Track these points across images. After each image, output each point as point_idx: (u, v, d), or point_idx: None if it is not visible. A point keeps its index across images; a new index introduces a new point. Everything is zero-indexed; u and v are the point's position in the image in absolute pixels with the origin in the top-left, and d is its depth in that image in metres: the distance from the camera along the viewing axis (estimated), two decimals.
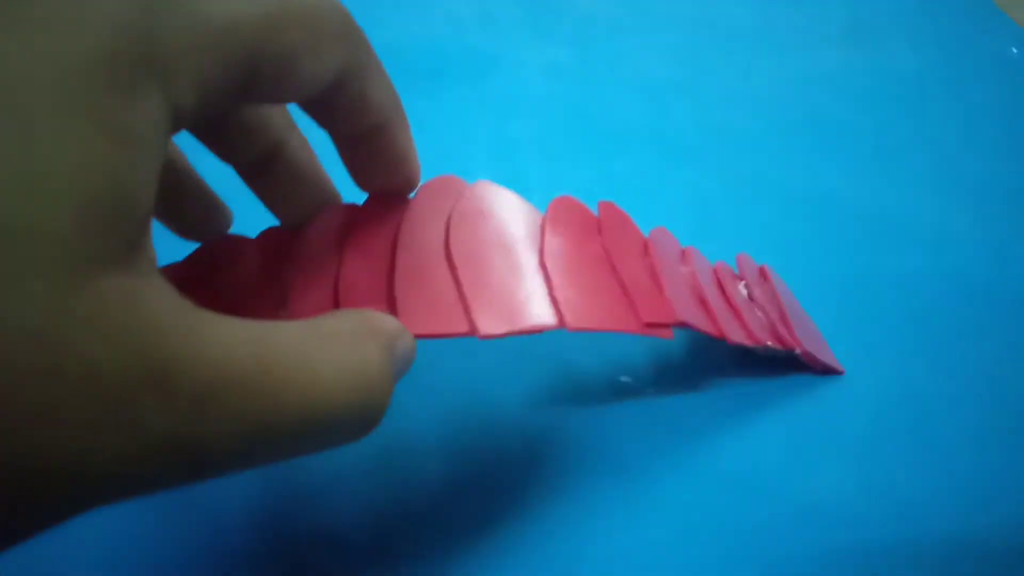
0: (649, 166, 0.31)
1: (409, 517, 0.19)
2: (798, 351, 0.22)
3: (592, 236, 0.19)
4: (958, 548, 0.20)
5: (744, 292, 0.23)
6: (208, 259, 0.18)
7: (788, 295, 0.25)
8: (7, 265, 0.08)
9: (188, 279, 0.17)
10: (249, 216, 0.18)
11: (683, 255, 0.22)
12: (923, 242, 0.28)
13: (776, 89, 0.35)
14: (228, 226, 0.19)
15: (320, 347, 0.12)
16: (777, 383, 0.23)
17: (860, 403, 0.23)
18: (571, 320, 0.16)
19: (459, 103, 0.33)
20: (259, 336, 0.11)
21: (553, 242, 0.18)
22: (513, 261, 0.17)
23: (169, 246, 0.18)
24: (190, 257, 0.18)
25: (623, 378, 0.23)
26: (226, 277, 0.17)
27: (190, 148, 0.17)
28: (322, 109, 0.15)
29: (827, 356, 0.24)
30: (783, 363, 0.23)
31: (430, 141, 0.29)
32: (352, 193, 0.18)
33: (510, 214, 0.18)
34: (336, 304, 0.16)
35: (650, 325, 0.18)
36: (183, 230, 0.18)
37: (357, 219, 0.17)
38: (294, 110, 0.16)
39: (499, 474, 0.20)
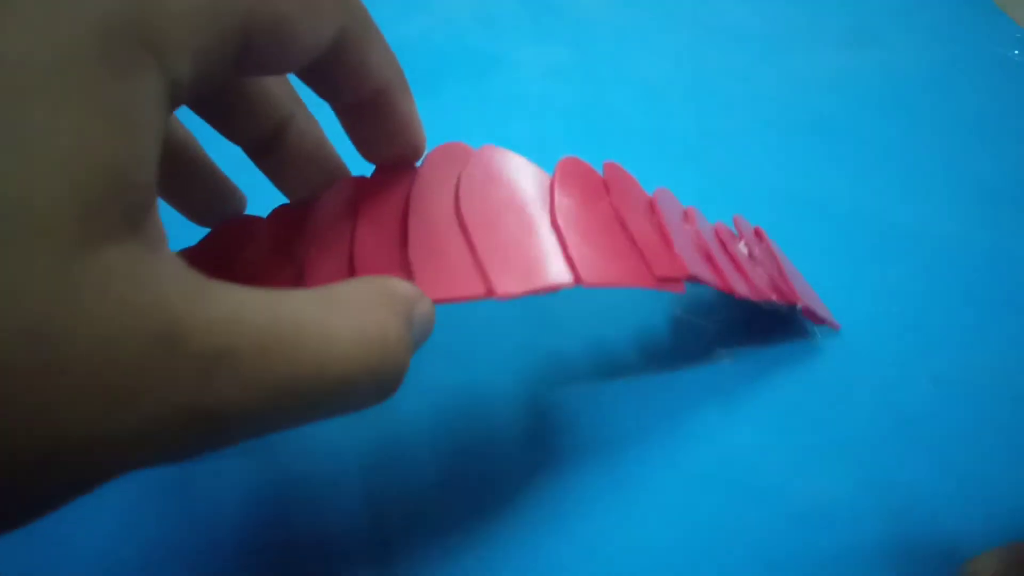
0: (649, 167, 0.31)
1: (403, 509, 0.19)
2: (799, 305, 0.23)
3: (600, 195, 0.19)
4: (958, 545, 0.20)
5: (744, 250, 0.24)
6: (222, 240, 0.18)
7: (782, 255, 0.25)
8: (11, 237, 0.08)
9: (203, 261, 0.17)
10: (258, 200, 0.18)
11: (685, 215, 0.23)
12: (924, 243, 0.28)
13: (776, 90, 0.35)
14: (242, 209, 0.19)
15: (335, 311, 0.12)
16: (768, 361, 0.24)
17: (860, 403, 0.23)
18: (587, 276, 0.16)
19: (459, 103, 0.32)
20: (271, 302, 0.11)
21: (563, 201, 0.18)
22: (525, 221, 0.17)
23: (185, 233, 0.18)
24: (204, 240, 0.18)
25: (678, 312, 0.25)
26: (241, 256, 0.17)
27: (200, 135, 0.17)
28: (321, 78, 0.15)
29: (823, 311, 0.24)
30: (781, 321, 0.24)
31: (430, 141, 0.29)
32: (361, 168, 0.18)
33: (518, 176, 0.18)
34: (352, 275, 0.16)
35: (663, 279, 0.18)
36: (195, 214, 0.18)
37: (367, 190, 0.17)
38: (299, 88, 0.16)
39: (492, 464, 0.20)
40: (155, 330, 0.09)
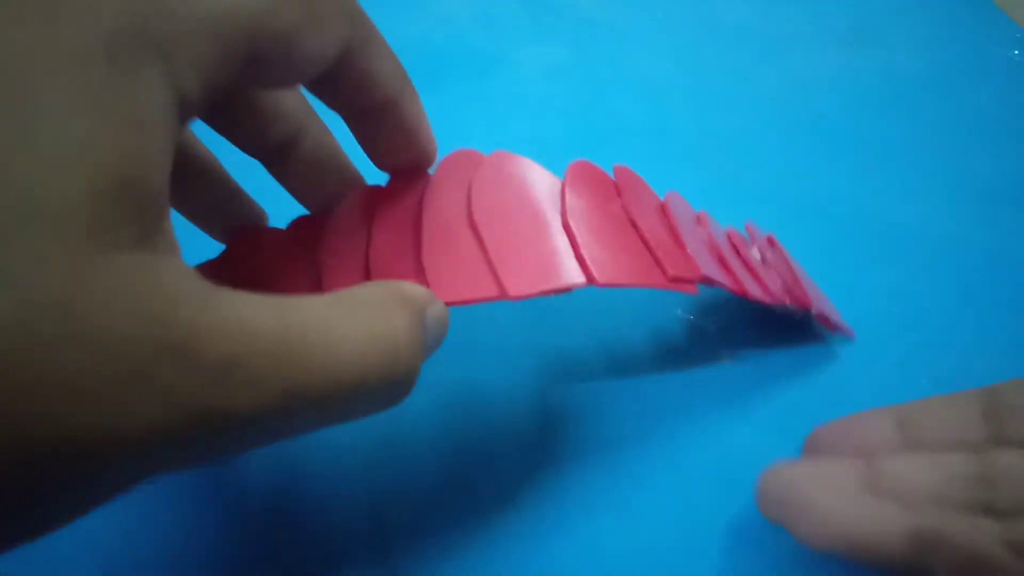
0: (649, 167, 0.31)
1: (404, 508, 0.19)
2: (813, 310, 0.22)
3: (611, 197, 0.19)
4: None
5: (757, 255, 0.23)
6: (241, 250, 0.18)
7: (796, 263, 0.25)
8: (27, 238, 0.08)
9: (223, 271, 0.18)
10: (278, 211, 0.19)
11: (698, 219, 0.23)
12: (924, 243, 0.28)
13: (777, 90, 0.35)
14: (261, 223, 0.19)
15: (345, 316, 0.12)
16: (776, 364, 0.24)
17: (860, 403, 0.23)
18: (599, 276, 0.17)
19: (459, 103, 0.32)
20: (281, 308, 0.11)
21: (575, 203, 0.18)
22: (537, 223, 0.17)
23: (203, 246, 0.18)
24: (224, 253, 0.18)
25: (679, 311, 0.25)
26: (260, 265, 0.18)
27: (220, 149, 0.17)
28: (329, 89, 0.15)
29: (838, 319, 0.24)
30: (795, 326, 0.23)
31: None
32: (376, 177, 0.18)
33: (529, 179, 0.18)
34: (368, 279, 0.16)
35: (675, 279, 0.18)
36: (216, 230, 0.19)
37: (382, 197, 0.18)
38: (311, 98, 0.16)
39: (493, 463, 0.20)
40: (163, 338, 0.09)
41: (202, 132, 0.17)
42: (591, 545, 0.19)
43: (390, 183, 0.18)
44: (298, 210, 0.19)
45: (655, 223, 0.20)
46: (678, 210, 0.21)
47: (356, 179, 0.19)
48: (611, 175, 0.20)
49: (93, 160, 0.09)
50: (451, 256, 0.16)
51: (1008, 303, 0.26)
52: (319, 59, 0.13)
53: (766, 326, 0.24)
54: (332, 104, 0.16)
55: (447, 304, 0.15)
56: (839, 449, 0.20)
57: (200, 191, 0.18)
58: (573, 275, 0.16)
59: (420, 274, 0.16)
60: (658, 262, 0.18)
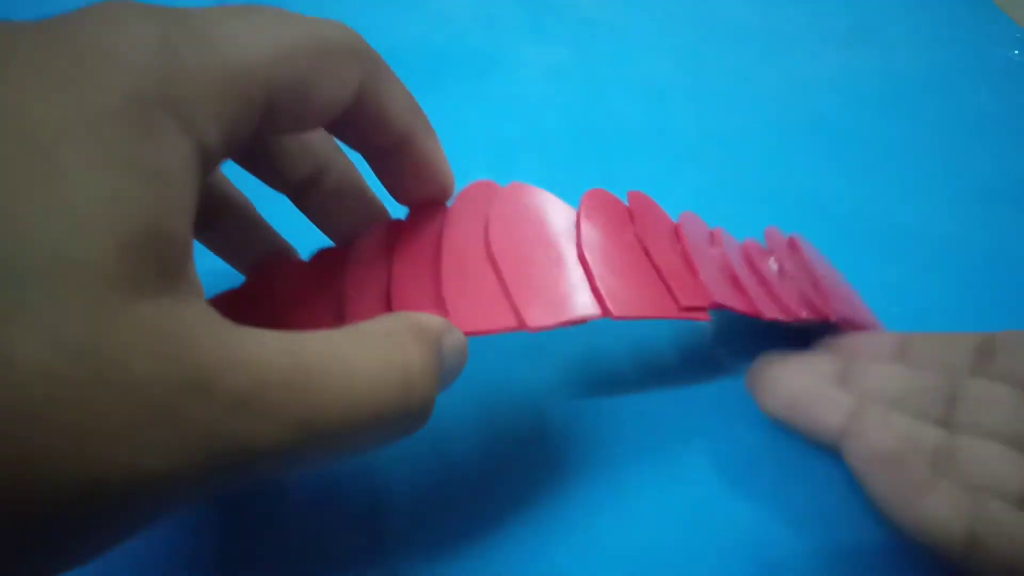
0: (650, 168, 0.31)
1: (404, 509, 0.19)
2: (834, 319, 0.22)
3: (625, 225, 0.20)
4: None
5: (775, 267, 0.23)
6: (265, 281, 0.19)
7: (821, 261, 0.24)
8: (57, 291, 0.09)
9: (246, 301, 0.18)
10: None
11: (712, 237, 0.22)
12: (924, 243, 0.28)
13: (777, 90, 0.35)
14: (287, 257, 0.20)
15: (360, 348, 0.12)
16: None
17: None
18: (614, 309, 0.17)
19: (459, 103, 0.32)
20: (297, 342, 0.11)
21: (589, 234, 0.19)
22: (553, 255, 0.18)
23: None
24: (246, 284, 0.19)
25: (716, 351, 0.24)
26: (283, 297, 0.18)
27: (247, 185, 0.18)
28: (345, 129, 0.16)
29: (866, 318, 0.23)
30: (817, 333, 0.23)
31: None
32: (399, 209, 0.19)
33: (545, 211, 0.19)
34: (389, 311, 0.16)
35: (687, 309, 0.18)
36: (241, 263, 0.19)
37: (402, 230, 0.18)
38: None
39: (494, 466, 0.20)
40: (183, 377, 0.10)
41: (228, 166, 0.17)
42: (591, 549, 0.19)
43: (409, 216, 0.18)
44: (320, 239, 0.19)
45: (668, 249, 0.20)
46: (691, 232, 0.21)
47: (380, 212, 0.19)
48: (624, 201, 0.21)
49: (118, 215, 0.10)
50: (470, 287, 0.17)
51: (1008, 303, 0.26)
52: (334, 104, 0.14)
53: (783, 337, 0.23)
54: (349, 142, 0.16)
55: (467, 334, 0.15)
56: (840, 351, 0.21)
57: (226, 228, 0.18)
58: (589, 307, 0.17)
59: (440, 305, 0.16)
60: (670, 292, 0.19)
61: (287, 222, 0.19)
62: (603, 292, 0.17)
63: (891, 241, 0.28)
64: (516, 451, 0.21)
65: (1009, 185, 0.31)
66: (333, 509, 0.19)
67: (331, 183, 0.18)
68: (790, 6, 0.41)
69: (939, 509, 0.16)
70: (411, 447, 0.20)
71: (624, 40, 0.38)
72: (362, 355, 0.12)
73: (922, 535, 0.17)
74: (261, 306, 0.18)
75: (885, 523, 0.17)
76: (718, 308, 0.19)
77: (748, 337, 0.24)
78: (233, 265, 0.19)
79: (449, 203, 0.19)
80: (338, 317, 0.17)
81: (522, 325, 0.16)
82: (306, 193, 0.18)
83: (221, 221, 0.18)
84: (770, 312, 0.21)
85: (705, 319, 0.19)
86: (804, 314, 0.22)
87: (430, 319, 0.14)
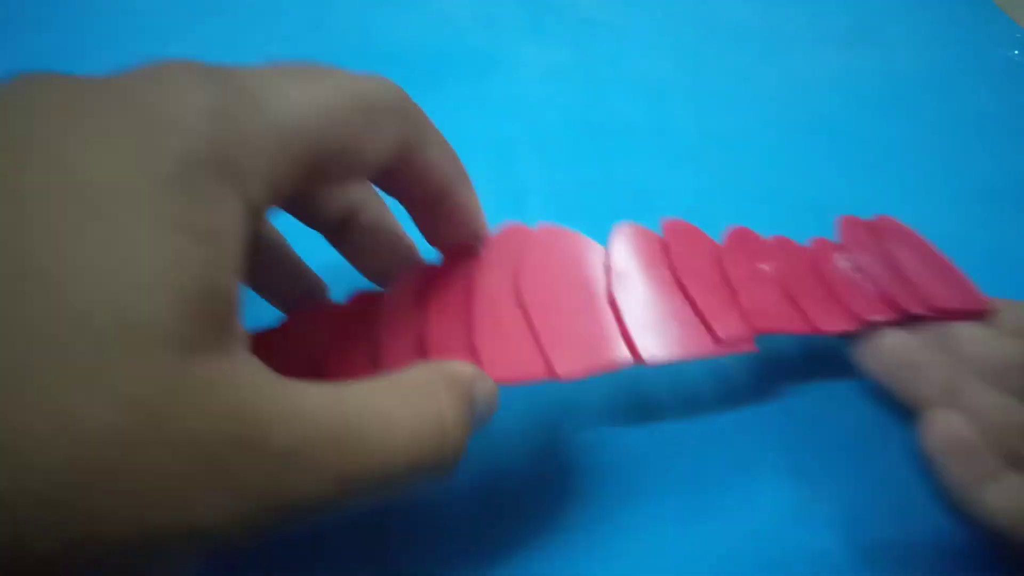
0: (650, 168, 0.31)
1: (405, 511, 0.19)
2: (915, 311, 0.20)
3: (658, 260, 0.20)
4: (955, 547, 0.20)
5: (846, 265, 0.22)
6: (301, 323, 0.19)
7: (914, 243, 0.23)
8: (121, 351, 0.09)
9: (283, 343, 0.18)
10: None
11: (767, 250, 0.22)
12: None
13: (777, 90, 0.35)
14: (322, 294, 0.20)
15: (397, 401, 0.13)
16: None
17: (857, 407, 0.23)
18: (646, 355, 0.17)
19: (458, 103, 0.32)
20: (341, 396, 0.12)
21: (620, 275, 0.18)
22: (584, 301, 0.18)
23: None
24: (283, 326, 0.19)
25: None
26: (320, 338, 0.18)
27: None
28: (387, 181, 0.16)
29: (965, 296, 0.21)
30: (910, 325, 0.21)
31: None
32: (430, 249, 0.19)
33: (575, 254, 0.19)
34: (422, 354, 0.17)
35: (727, 342, 0.18)
36: (274, 298, 0.20)
37: (435, 277, 0.18)
38: None
39: (502, 471, 0.20)
40: (236, 432, 0.10)
41: None
42: (595, 560, 0.19)
43: (443, 261, 0.19)
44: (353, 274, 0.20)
45: (706, 280, 0.19)
46: (738, 253, 0.20)
47: (412, 251, 0.19)
48: (659, 232, 0.20)
49: (177, 276, 0.10)
50: (501, 335, 0.17)
51: None
52: (377, 161, 0.14)
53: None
54: (390, 192, 0.17)
55: (497, 382, 0.15)
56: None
57: (264, 268, 0.19)
58: (620, 355, 0.17)
59: (472, 352, 0.16)
60: (707, 326, 0.18)
61: (322, 256, 0.19)
62: (634, 338, 0.17)
63: None
64: (522, 459, 0.21)
65: (1009, 185, 0.31)
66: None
67: (364, 223, 0.18)
68: (790, 6, 0.41)
69: (1010, 498, 0.17)
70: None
71: (624, 40, 0.38)
72: (399, 409, 0.13)
73: (992, 522, 0.17)
74: (298, 348, 0.18)
75: (952, 510, 0.18)
76: (764, 333, 0.19)
77: (801, 362, 0.23)
78: (267, 300, 0.20)
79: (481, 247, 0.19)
80: (372, 361, 0.17)
81: (551, 374, 0.16)
82: (340, 232, 0.19)
83: (259, 262, 0.19)
84: (830, 325, 0.20)
85: (751, 350, 0.18)
86: (877, 316, 0.20)
87: (462, 368, 0.15)
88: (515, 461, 0.21)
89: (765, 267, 0.21)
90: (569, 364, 0.16)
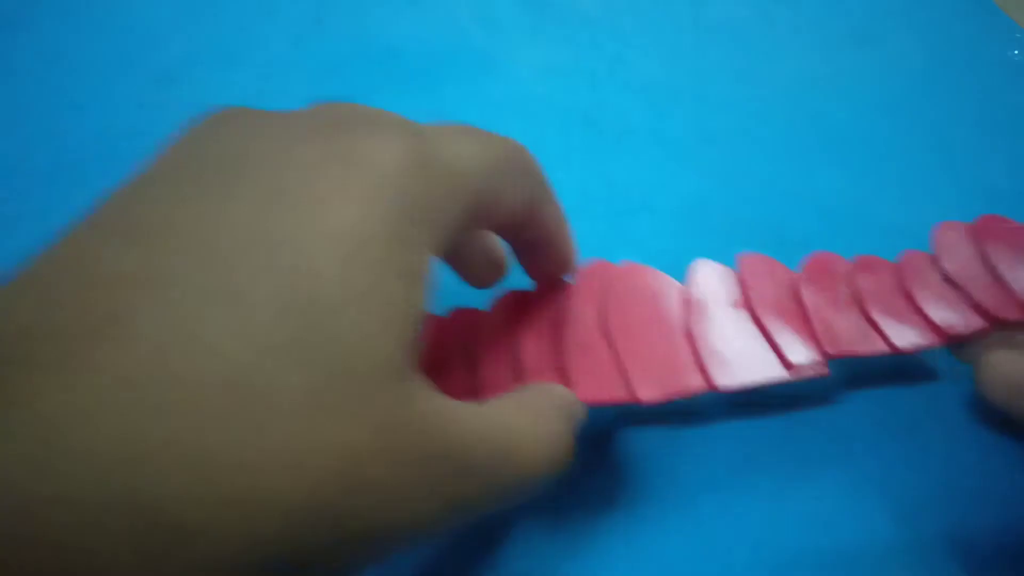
0: (649, 168, 0.31)
1: None
2: (1010, 317, 0.20)
3: (733, 293, 0.21)
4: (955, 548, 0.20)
5: (937, 276, 0.22)
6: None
7: (1019, 240, 0.22)
8: (369, 384, 0.11)
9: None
10: None
11: (847, 274, 0.22)
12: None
13: (777, 91, 0.35)
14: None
15: (531, 421, 0.15)
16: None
17: (858, 407, 0.23)
18: (719, 382, 0.19)
19: (458, 103, 0.32)
20: (493, 416, 0.14)
21: (696, 308, 0.20)
22: (663, 332, 0.20)
23: None
24: None
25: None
26: (427, 348, 0.19)
27: None
28: (507, 228, 0.18)
29: None
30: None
31: None
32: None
33: (654, 288, 0.21)
34: (517, 372, 0.19)
35: (798, 368, 0.19)
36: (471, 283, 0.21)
37: (529, 303, 0.20)
38: None
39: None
40: (441, 451, 0.12)
41: None
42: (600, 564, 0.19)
43: (536, 290, 0.21)
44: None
45: (783, 306, 0.21)
46: (814, 281, 0.21)
47: (505, 268, 0.21)
48: (733, 266, 0.22)
49: (403, 318, 0.12)
50: (588, 361, 0.19)
51: None
52: (511, 211, 0.16)
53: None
54: (503, 236, 0.18)
55: (584, 403, 0.17)
56: None
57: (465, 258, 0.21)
58: (695, 381, 0.19)
59: (562, 373, 0.18)
60: (779, 354, 0.20)
61: None
62: (708, 366, 0.19)
63: (891, 241, 0.28)
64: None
65: (1009, 185, 0.31)
66: None
67: (474, 247, 0.20)
68: (790, 6, 0.41)
69: None
70: None
71: (624, 40, 0.38)
72: (535, 430, 0.15)
73: None
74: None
75: None
76: (836, 358, 0.20)
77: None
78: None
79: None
80: (470, 370, 0.19)
81: (633, 398, 0.18)
82: (452, 253, 0.20)
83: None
84: (908, 342, 0.20)
85: (823, 374, 0.20)
86: (963, 328, 0.20)
87: (567, 394, 0.17)
88: None
89: (844, 290, 0.21)
90: (649, 389, 0.18)
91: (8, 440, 0.09)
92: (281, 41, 0.35)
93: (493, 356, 0.19)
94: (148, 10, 0.36)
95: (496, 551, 0.19)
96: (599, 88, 0.35)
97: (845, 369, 0.23)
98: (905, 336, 0.20)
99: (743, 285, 0.21)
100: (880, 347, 0.20)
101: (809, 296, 0.21)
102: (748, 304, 0.20)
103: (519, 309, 0.20)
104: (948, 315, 0.21)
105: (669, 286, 0.21)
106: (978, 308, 0.21)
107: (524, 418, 0.15)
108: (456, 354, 0.20)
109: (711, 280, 0.21)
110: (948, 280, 0.21)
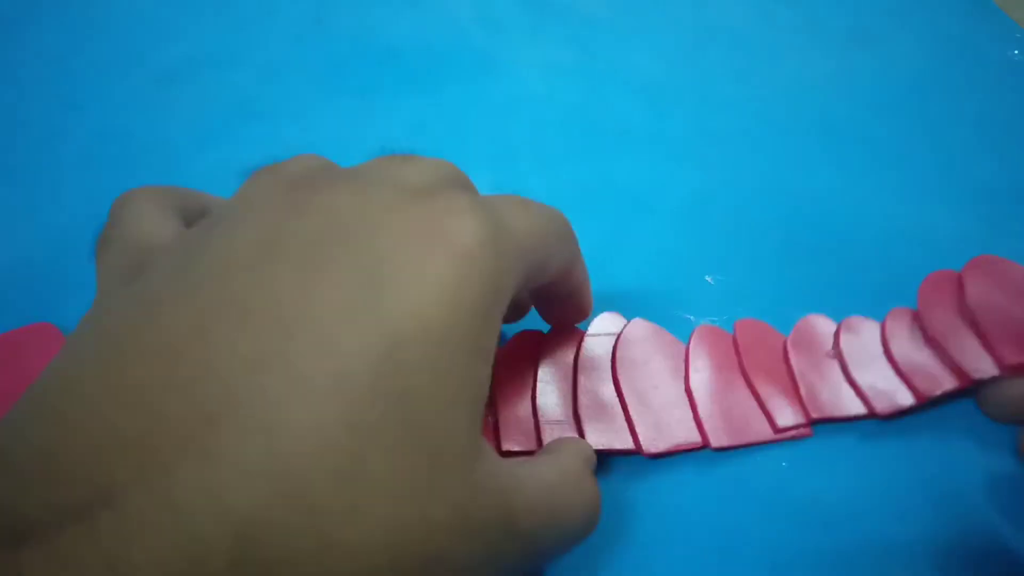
0: (649, 168, 0.31)
1: None
2: (982, 377, 0.21)
3: (730, 357, 0.22)
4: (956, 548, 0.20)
5: (918, 337, 0.23)
6: None
7: (1008, 282, 0.23)
8: (452, 463, 0.12)
9: None
10: None
11: (834, 336, 0.23)
12: (925, 245, 0.28)
13: (776, 90, 0.35)
14: None
15: (571, 485, 0.16)
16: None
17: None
18: (714, 441, 0.20)
19: (459, 103, 0.32)
20: (545, 483, 0.15)
21: (696, 370, 0.22)
22: (667, 390, 0.21)
23: None
24: None
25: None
26: None
27: None
28: (543, 288, 0.19)
29: None
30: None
31: (429, 142, 0.29)
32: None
33: (661, 348, 0.22)
34: (535, 416, 0.20)
35: (784, 430, 0.21)
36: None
37: (544, 345, 0.22)
38: None
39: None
40: (494, 520, 0.13)
41: None
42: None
43: (551, 333, 0.22)
44: None
45: (773, 370, 0.22)
46: (802, 347, 0.23)
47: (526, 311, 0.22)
48: (731, 332, 0.23)
49: (478, 398, 0.13)
50: (600, 412, 0.20)
51: None
52: (552, 275, 0.17)
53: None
54: (531, 291, 0.19)
55: (595, 450, 0.18)
56: None
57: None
58: (692, 437, 0.20)
59: (577, 420, 0.20)
60: (769, 417, 0.21)
61: None
62: (705, 424, 0.20)
63: (891, 241, 0.28)
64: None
65: (1008, 185, 0.31)
66: None
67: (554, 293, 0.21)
68: (789, 6, 0.41)
69: None
70: None
71: (624, 40, 0.38)
72: (572, 491, 0.15)
73: None
74: None
75: None
76: (820, 423, 0.21)
77: None
78: None
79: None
80: (488, 412, 0.20)
81: (639, 449, 0.20)
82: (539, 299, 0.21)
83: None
84: (886, 406, 0.21)
85: (807, 435, 0.21)
86: (947, 386, 0.21)
87: (588, 447, 0.18)
88: None
89: (831, 353, 0.23)
90: (653, 442, 0.20)
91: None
92: (281, 41, 0.35)
93: (510, 394, 0.21)
94: (148, 10, 0.36)
95: None
96: (599, 88, 0.35)
97: None
98: (885, 401, 0.21)
99: (739, 350, 0.22)
100: (860, 411, 0.21)
101: (797, 360, 0.22)
102: (743, 367, 0.22)
103: (535, 351, 0.22)
104: (923, 378, 0.22)
105: (673, 346, 0.22)
106: (954, 368, 0.22)
107: (567, 484, 0.15)
108: None
109: (709, 343, 0.23)
110: (930, 340, 0.22)
